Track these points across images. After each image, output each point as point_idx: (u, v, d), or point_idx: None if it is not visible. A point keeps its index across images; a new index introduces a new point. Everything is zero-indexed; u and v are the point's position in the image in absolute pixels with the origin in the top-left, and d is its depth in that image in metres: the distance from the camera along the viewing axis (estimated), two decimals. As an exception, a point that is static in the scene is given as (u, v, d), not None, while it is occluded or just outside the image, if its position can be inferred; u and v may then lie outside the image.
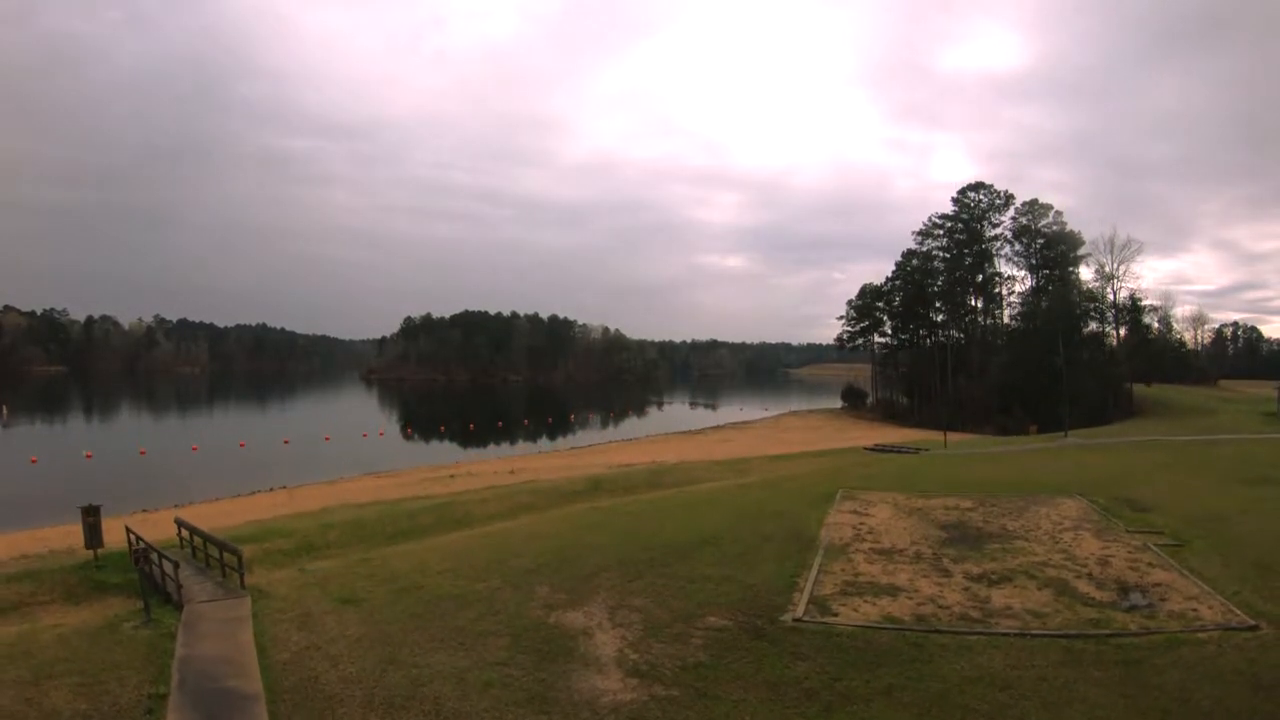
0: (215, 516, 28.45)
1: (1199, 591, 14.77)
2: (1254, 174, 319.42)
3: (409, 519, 23.90)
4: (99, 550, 18.91)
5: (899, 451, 39.35)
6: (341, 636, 13.06)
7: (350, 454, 55.53)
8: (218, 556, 17.13)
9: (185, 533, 19.45)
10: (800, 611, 13.93)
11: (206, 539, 17.60)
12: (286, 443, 61.38)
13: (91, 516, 18.66)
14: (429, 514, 24.47)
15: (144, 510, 33.04)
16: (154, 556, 16.32)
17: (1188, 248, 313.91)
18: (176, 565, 15.10)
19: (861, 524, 20.79)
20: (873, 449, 41.35)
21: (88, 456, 50.68)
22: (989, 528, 20.37)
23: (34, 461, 47.52)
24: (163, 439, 65.78)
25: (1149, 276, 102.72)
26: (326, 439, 64.01)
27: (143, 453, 52.95)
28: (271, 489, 39.25)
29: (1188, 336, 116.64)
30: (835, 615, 13.80)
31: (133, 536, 18.83)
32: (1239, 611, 13.59)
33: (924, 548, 18.24)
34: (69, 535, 25.27)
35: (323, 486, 39.25)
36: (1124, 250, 74.68)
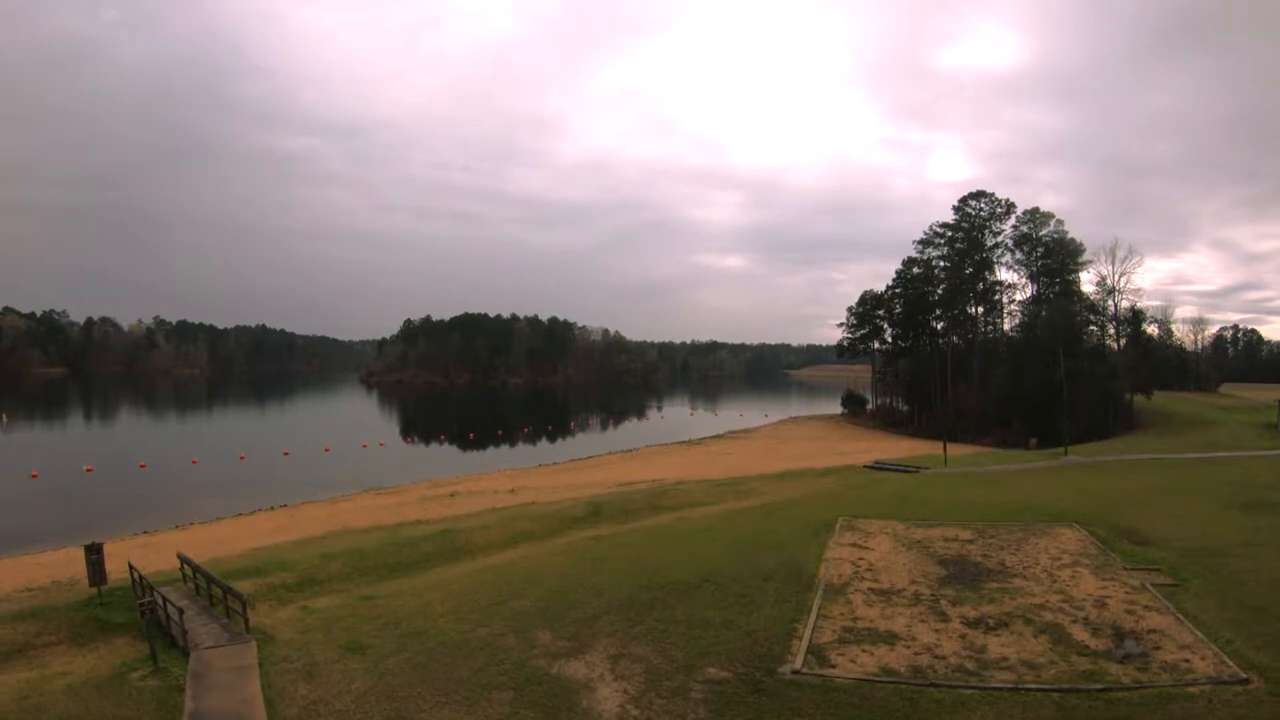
0: (216, 543, 28.56)
1: (1193, 639, 14.93)
2: (1253, 174, 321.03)
3: (410, 548, 24.01)
4: (103, 587, 19.01)
5: (899, 470, 39.49)
6: (348, 690, 13.20)
7: (350, 467, 55.68)
8: (221, 597, 17.27)
9: (188, 569, 19.56)
10: (799, 663, 14.08)
11: (210, 580, 17.73)
12: (286, 454, 61.49)
13: (95, 555, 18.75)
14: (430, 542, 24.57)
15: (145, 533, 33.15)
16: (159, 600, 16.51)
17: (1187, 248, 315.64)
18: (182, 612, 15.26)
19: (861, 559, 20.95)
20: (873, 466, 41.46)
21: (88, 470, 50.75)
22: (988, 563, 20.54)
23: (34, 476, 47.59)
24: (162, 449, 65.78)
25: (1149, 278, 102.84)
26: (326, 450, 64.12)
27: (143, 465, 53.02)
28: (272, 508, 39.31)
29: (1188, 341, 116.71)
30: (833, 666, 13.95)
31: (136, 574, 18.97)
32: (1231, 663, 13.74)
33: (922, 587, 18.40)
34: (71, 562, 25.44)
35: (323, 505, 39.31)
36: (1125, 262, 75.21)
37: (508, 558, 22.51)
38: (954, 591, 18.04)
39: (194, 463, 55.11)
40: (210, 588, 17.90)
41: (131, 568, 19.17)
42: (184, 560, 19.83)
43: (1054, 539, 23.12)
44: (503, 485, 42.50)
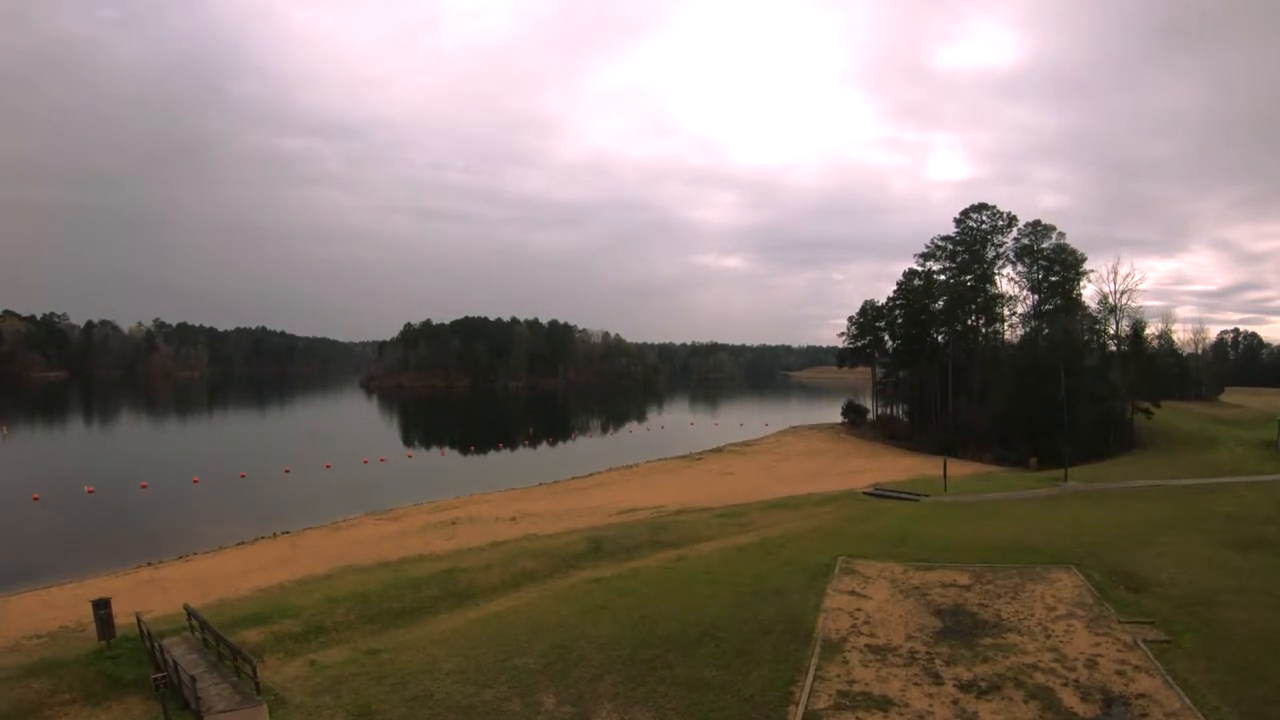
0: (220, 579, 28.84)
1: (1180, 706, 15.24)
2: (1253, 174, 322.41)
3: (414, 591, 24.30)
4: (111, 640, 19.31)
5: (898, 497, 39.76)
6: (355, 765, 13.49)
7: (351, 486, 55.97)
8: (230, 656, 17.55)
9: (196, 622, 19.85)
10: (796, 734, 14.39)
11: (219, 639, 18.00)
12: (287, 471, 61.74)
13: (103, 609, 19.07)
14: (433, 585, 24.85)
15: (149, 564, 33.44)
16: (170, 660, 16.85)
17: (1187, 248, 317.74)
18: (194, 679, 15.55)
19: (858, 610, 21.23)
20: (872, 493, 41.71)
21: (89, 491, 50.94)
22: (984, 614, 20.85)
23: (36, 499, 47.83)
24: (164, 465, 65.98)
25: (1149, 279, 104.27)
26: (327, 466, 64.39)
27: (144, 486, 53.16)
28: (275, 534, 39.55)
29: (1188, 346, 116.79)
30: (829, 738, 14.26)
31: (144, 628, 19.25)
32: (1217, 734, 14.06)
33: (918, 644, 18.69)
34: (77, 602, 25.76)
35: (325, 532, 39.57)
36: (1126, 279, 75.98)
37: (510, 604, 22.79)
38: (949, 649, 18.34)
39: (195, 482, 55.36)
40: (219, 645, 18.17)
41: (140, 622, 19.44)
42: (191, 614, 20.12)
43: (1051, 584, 23.42)
44: (504, 511, 42.74)
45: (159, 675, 14.92)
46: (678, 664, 17.60)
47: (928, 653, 18.14)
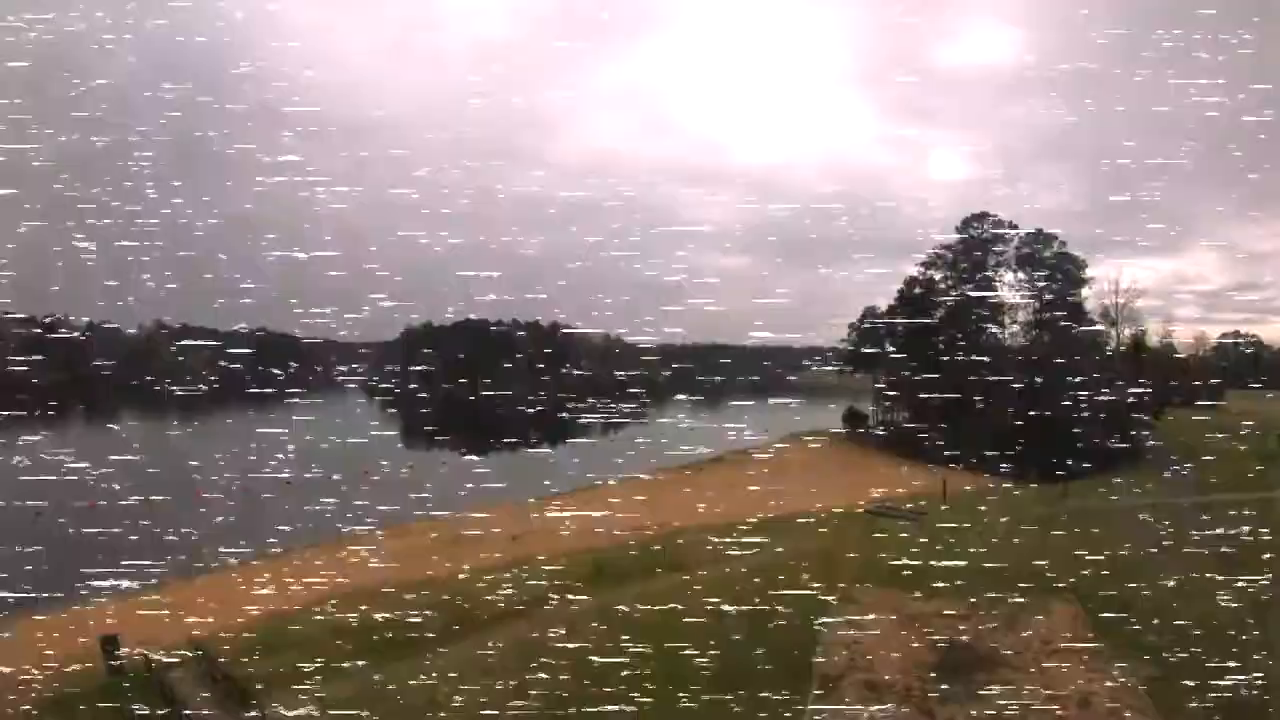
0: (223, 604, 28.78)
1: (1171, 753, 15.43)
2: (1253, 174, 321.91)
3: (418, 619, 24.56)
4: (120, 676, 19.58)
5: (898, 516, 40.03)
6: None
7: (352, 497, 55.78)
8: (236, 691, 17.80)
9: (202, 655, 20.08)
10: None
11: (225, 675, 18.27)
12: (289, 481, 61.78)
13: (110, 645, 19.36)
14: (436, 612, 25.12)
15: (151, 582, 33.58)
16: (177, 699, 17.10)
17: (1187, 248, 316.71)
18: (200, 721, 15.81)
19: (856, 643, 21.41)
20: (872, 511, 42.03)
21: (90, 505, 50.93)
22: (980, 648, 21.06)
23: (37, 513, 47.81)
24: (165, 474, 65.82)
25: (1149, 278, 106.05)
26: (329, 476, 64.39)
27: (145, 499, 52.99)
28: (276, 549, 39.71)
29: (1189, 348, 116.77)
30: (827, 789, 14.46)
31: (152, 662, 19.49)
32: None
33: (913, 681, 18.92)
34: (81, 629, 25.83)
35: (326, 549, 39.56)
36: (1129, 289, 76.22)
37: (512, 634, 23.10)
38: (944, 687, 18.55)
39: (197, 494, 55.37)
40: (225, 681, 18.42)
41: (146, 656, 19.70)
42: (198, 646, 20.37)
43: (1048, 616, 23.61)
44: (505, 528, 42.91)
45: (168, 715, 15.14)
46: (676, 703, 17.80)
47: (923, 691, 18.35)
